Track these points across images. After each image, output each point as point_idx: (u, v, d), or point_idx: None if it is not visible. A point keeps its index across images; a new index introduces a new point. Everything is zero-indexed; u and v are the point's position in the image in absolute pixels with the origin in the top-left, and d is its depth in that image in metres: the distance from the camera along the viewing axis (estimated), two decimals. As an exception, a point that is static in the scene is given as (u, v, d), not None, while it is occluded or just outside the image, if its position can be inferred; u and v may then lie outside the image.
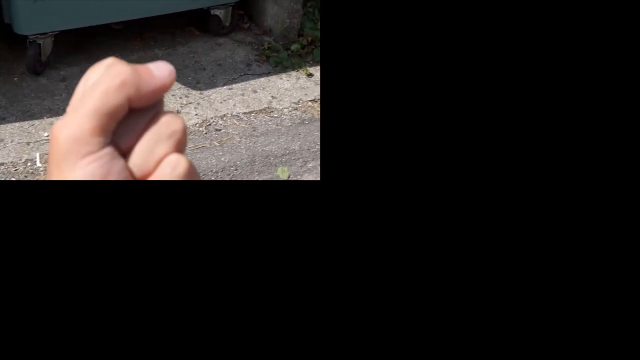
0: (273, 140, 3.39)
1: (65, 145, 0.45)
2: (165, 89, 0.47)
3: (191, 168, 0.47)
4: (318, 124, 3.48)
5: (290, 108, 3.65)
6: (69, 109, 0.46)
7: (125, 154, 0.47)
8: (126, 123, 0.46)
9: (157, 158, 0.46)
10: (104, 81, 0.46)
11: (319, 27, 4.14)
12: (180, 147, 0.47)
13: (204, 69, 3.81)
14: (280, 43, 4.09)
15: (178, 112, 3.45)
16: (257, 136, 3.40)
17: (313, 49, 4.12)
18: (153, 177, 0.46)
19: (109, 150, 0.45)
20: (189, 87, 3.64)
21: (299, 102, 3.71)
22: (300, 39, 4.14)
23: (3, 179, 2.91)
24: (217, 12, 3.98)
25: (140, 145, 0.47)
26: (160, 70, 0.47)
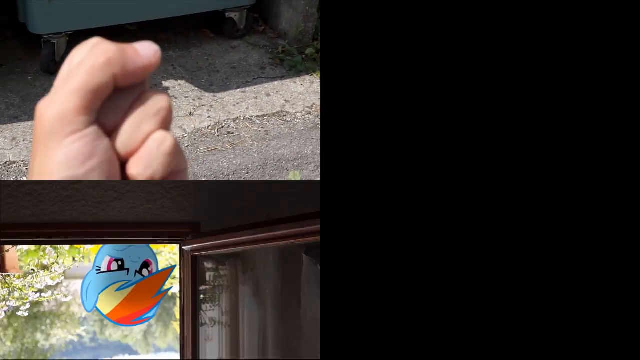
0: (285, 144, 3.38)
1: (50, 124, 0.45)
2: (150, 67, 0.47)
3: (177, 145, 0.47)
4: (331, 128, 3.46)
5: (303, 112, 3.65)
6: (54, 87, 0.46)
7: (110, 133, 0.47)
8: (111, 102, 0.46)
9: (143, 135, 0.46)
10: (89, 59, 0.45)
11: (333, 31, 4.13)
12: (166, 124, 0.47)
13: (218, 71, 3.81)
14: (295, 47, 4.09)
15: (191, 114, 3.45)
16: (269, 140, 3.40)
17: (327, 53, 4.12)
18: (139, 154, 0.46)
19: (93, 129, 0.45)
20: (202, 89, 3.64)
21: (312, 106, 3.71)
22: (315, 43, 4.14)
23: (14, 179, 2.92)
24: (232, 14, 3.99)
25: (126, 123, 0.47)
26: (145, 49, 0.47)
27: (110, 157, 0.46)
